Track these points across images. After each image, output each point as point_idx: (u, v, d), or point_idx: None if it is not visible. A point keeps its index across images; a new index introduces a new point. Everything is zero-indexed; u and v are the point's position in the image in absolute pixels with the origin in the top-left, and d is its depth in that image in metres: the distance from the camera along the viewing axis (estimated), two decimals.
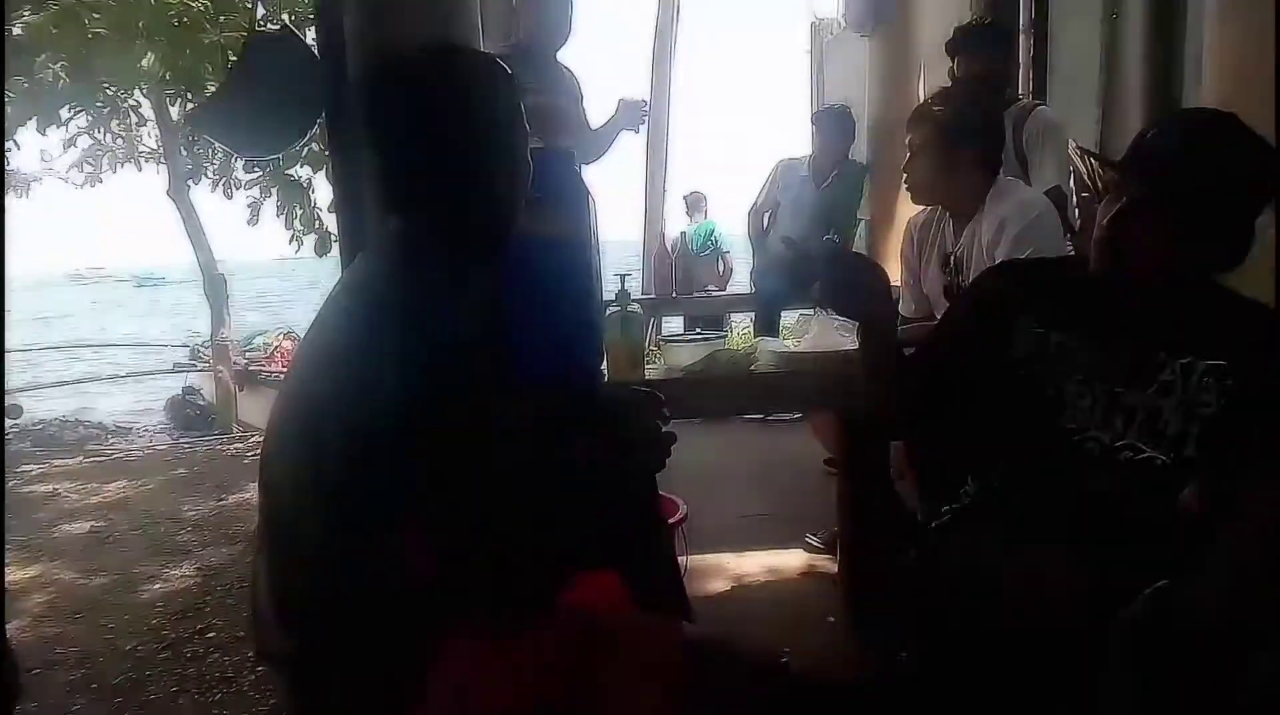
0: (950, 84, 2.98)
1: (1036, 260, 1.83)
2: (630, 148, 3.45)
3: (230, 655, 2.52)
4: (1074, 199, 2.91)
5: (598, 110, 3.36)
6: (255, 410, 7.73)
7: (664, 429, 1.38)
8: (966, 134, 2.21)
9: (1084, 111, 4.38)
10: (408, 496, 1.10)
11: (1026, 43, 4.88)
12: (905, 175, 2.31)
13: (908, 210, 4.22)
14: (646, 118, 3.38)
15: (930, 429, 1.65)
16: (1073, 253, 2.31)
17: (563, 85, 3.16)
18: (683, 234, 6.35)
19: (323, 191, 6.40)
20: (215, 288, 8.03)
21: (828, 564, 2.73)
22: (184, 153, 7.49)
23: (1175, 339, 1.41)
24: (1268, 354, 1.40)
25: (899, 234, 2.72)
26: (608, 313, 2.06)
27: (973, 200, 2.25)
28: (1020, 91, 4.60)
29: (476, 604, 1.19)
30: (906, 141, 2.30)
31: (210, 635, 2.67)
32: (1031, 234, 2.12)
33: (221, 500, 4.22)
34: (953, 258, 2.32)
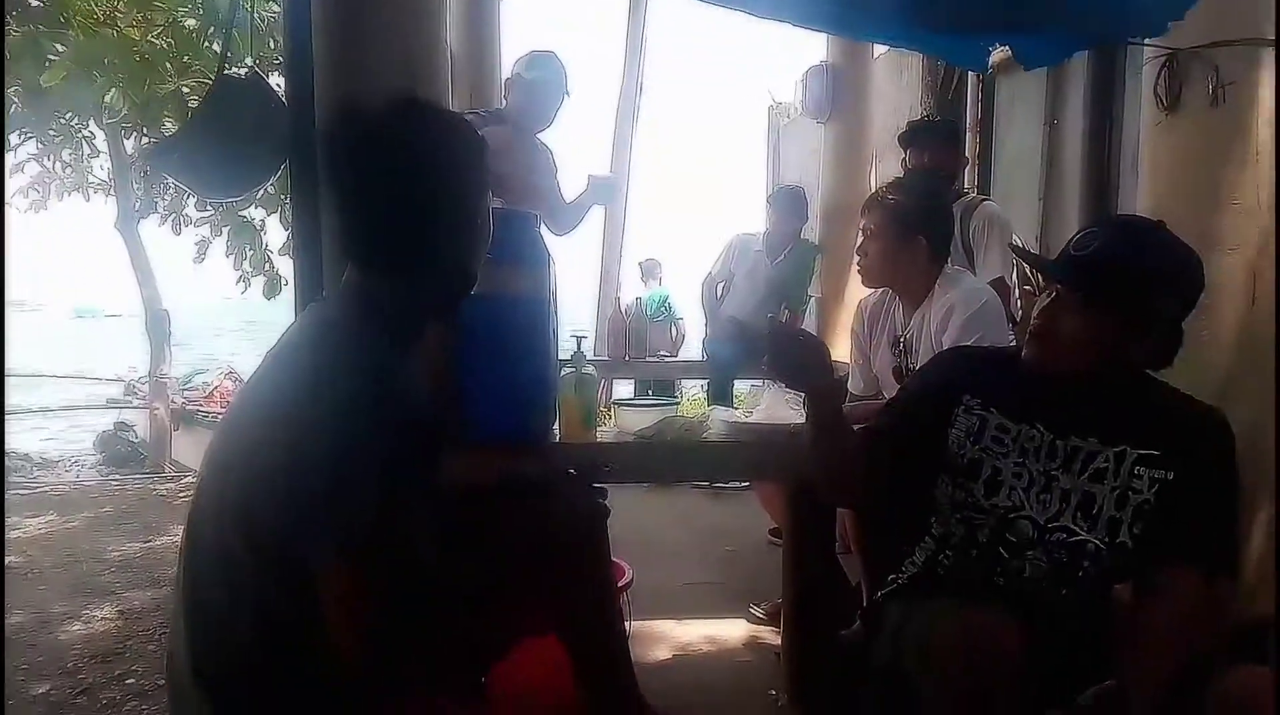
0: (903, 174, 3.13)
1: (981, 348, 1.93)
2: (590, 211, 3.54)
3: (148, 703, 2.42)
4: (1016, 292, 3.04)
5: (566, 177, 3.46)
6: (190, 450, 7.51)
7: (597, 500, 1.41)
8: (919, 222, 2.32)
9: (1026, 205, 4.61)
10: (347, 553, 1.08)
11: (973, 140, 5.14)
12: (858, 258, 2.41)
13: (857, 290, 4.35)
14: (616, 193, 3.60)
15: (874, 500, 1.69)
16: (1014, 342, 2.41)
17: (540, 161, 3.31)
18: (638, 299, 6.42)
19: (274, 234, 6.36)
20: (157, 324, 7.87)
21: (771, 636, 2.73)
22: (136, 187, 7.40)
23: (1109, 428, 1.49)
24: (1199, 447, 1.49)
25: (848, 312, 2.82)
26: (563, 372, 2.08)
27: (922, 286, 2.34)
28: (967, 185, 4.83)
29: (410, 669, 1.17)
30: (861, 225, 2.40)
31: (129, 681, 2.56)
32: (977, 322, 2.21)
33: (148, 541, 4.08)
34: (902, 340, 2.40)
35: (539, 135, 3.30)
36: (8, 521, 4.41)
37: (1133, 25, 2.24)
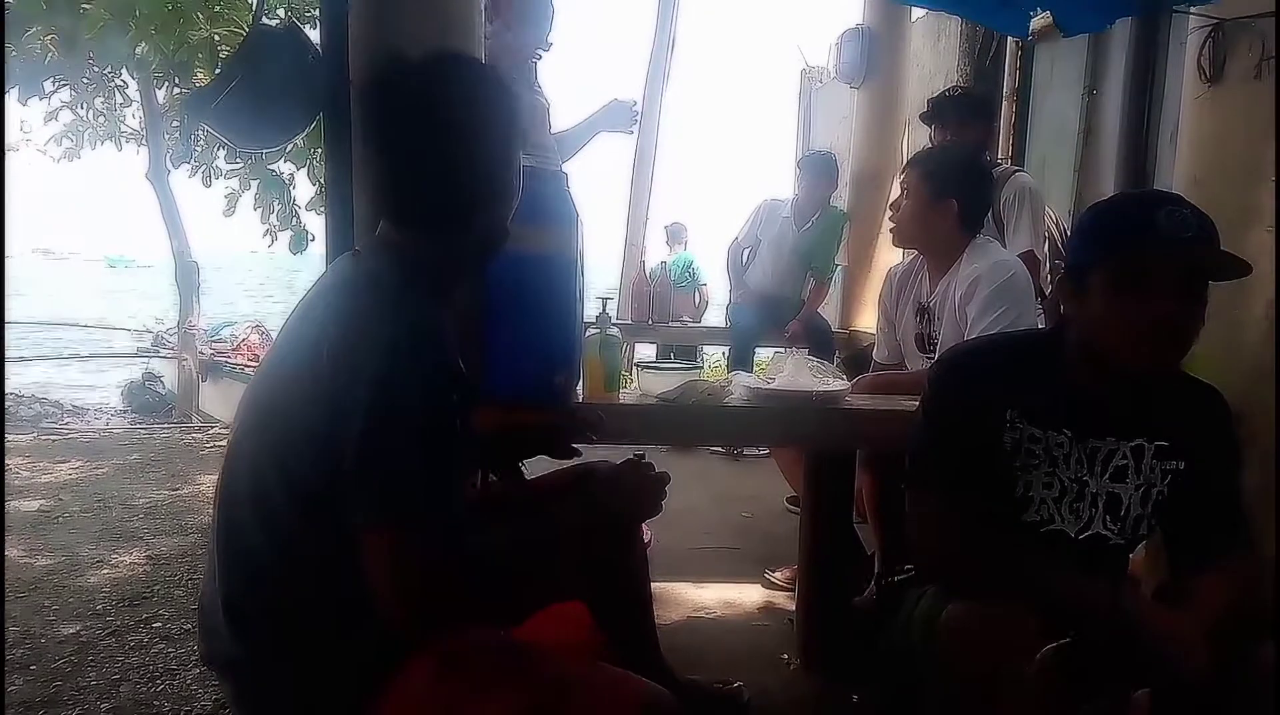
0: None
1: (1006, 343, 1.75)
2: (617, 173, 3.40)
3: (175, 647, 2.48)
4: (1047, 265, 3.00)
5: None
6: (216, 401, 7.64)
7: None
8: (952, 185, 2.30)
9: (1061, 176, 4.53)
10: (383, 502, 1.09)
11: (1008, 109, 5.04)
12: (890, 214, 2.42)
13: (884, 258, 4.33)
14: (634, 122, 3.19)
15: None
16: (1041, 318, 2.38)
17: (531, 79, 2.92)
18: (662, 263, 6.41)
19: (303, 188, 6.38)
20: (187, 275, 7.95)
21: (786, 601, 2.75)
22: (168, 137, 7.44)
23: (1124, 423, 1.45)
24: (1204, 431, 1.46)
25: (875, 281, 2.80)
26: (587, 334, 2.09)
27: (950, 253, 2.32)
28: (1000, 156, 4.74)
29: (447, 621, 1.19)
30: (899, 181, 2.40)
31: (156, 625, 2.63)
32: (1003, 295, 2.19)
33: (176, 489, 4.16)
34: (926, 308, 2.39)
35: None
36: (40, 466, 4.52)
37: None
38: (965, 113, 3.08)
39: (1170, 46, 2.65)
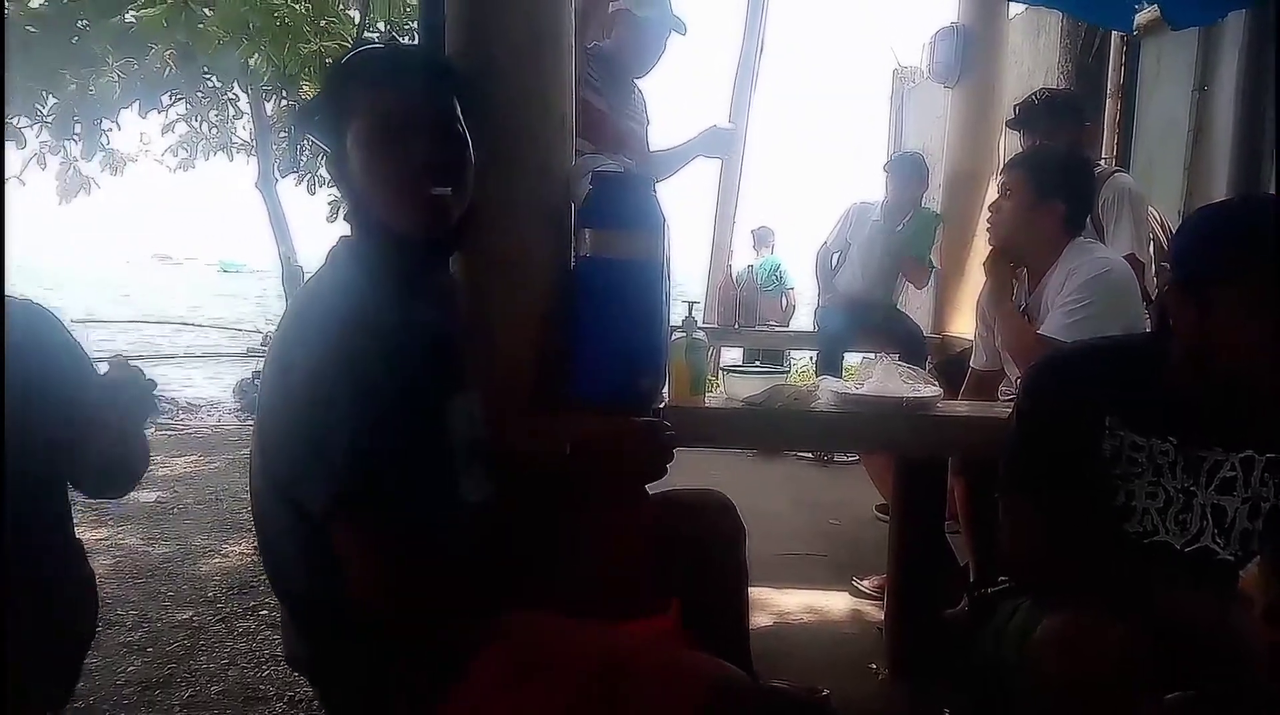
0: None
1: (1106, 346, 1.64)
2: (704, 177, 3.37)
3: (280, 634, 2.60)
4: (1152, 267, 2.88)
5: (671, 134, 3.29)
6: None
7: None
8: (1058, 188, 2.23)
9: (1169, 177, 4.34)
10: (341, 503, 1.08)
11: (1112, 107, 4.85)
12: (989, 214, 2.36)
13: (979, 261, 4.21)
14: (732, 149, 3.24)
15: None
16: (1148, 319, 2.29)
17: (631, 107, 3.03)
18: (749, 267, 6.39)
19: None
20: (292, 279, 8.27)
21: (873, 610, 2.71)
22: (276, 147, 7.78)
23: (1232, 433, 1.39)
24: None
25: (970, 285, 2.73)
26: (674, 338, 2.10)
27: (1048, 256, 2.26)
28: (1104, 155, 4.57)
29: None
30: (999, 183, 2.34)
31: (263, 612, 2.76)
32: (1090, 288, 2.12)
33: None
34: (1024, 312, 2.32)
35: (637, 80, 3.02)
36: (157, 459, 4.79)
37: None
38: (1053, 116, 2.95)
39: None
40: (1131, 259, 2.68)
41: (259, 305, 25.21)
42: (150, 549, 3.37)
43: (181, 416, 7.48)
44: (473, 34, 2.08)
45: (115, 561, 3.21)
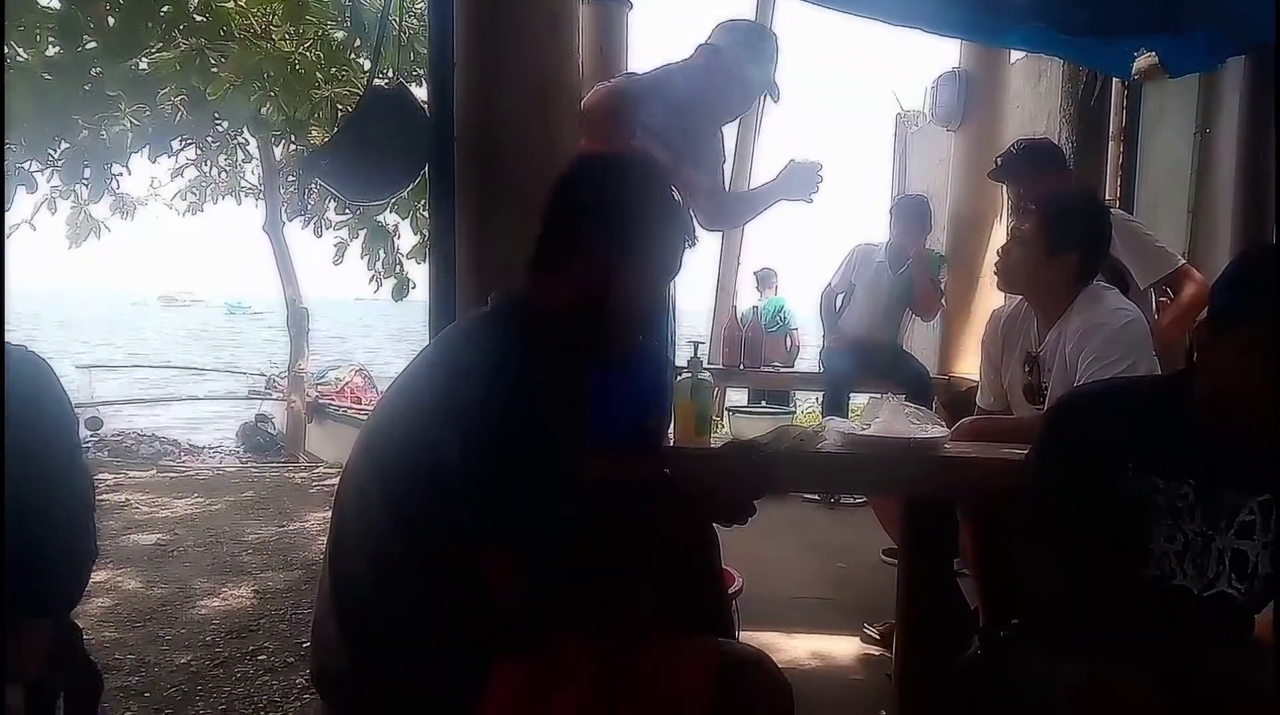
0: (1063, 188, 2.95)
1: (1121, 389, 1.65)
2: (772, 205, 3.00)
3: (279, 679, 2.57)
4: (1155, 303, 2.88)
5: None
6: (321, 441, 7.92)
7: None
8: (1076, 239, 2.21)
9: (1173, 220, 4.35)
10: (489, 529, 1.20)
11: (1115, 150, 4.89)
12: (1000, 258, 2.33)
13: (984, 302, 4.22)
14: (817, 189, 2.80)
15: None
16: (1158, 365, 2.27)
17: (700, 153, 2.74)
18: (754, 308, 6.40)
19: (406, 238, 6.64)
20: (297, 321, 8.33)
21: (883, 656, 2.67)
22: (283, 191, 7.87)
23: (1250, 477, 1.37)
24: None
25: (974, 326, 2.72)
26: (679, 378, 2.10)
27: (1061, 302, 2.24)
28: (1108, 197, 4.60)
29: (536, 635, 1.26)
30: (1011, 226, 2.32)
31: (261, 657, 2.72)
32: (1116, 344, 2.10)
33: (283, 526, 4.32)
34: (1035, 358, 2.31)
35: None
36: (159, 501, 4.77)
37: None
38: (1033, 165, 2.94)
39: None
40: (1185, 271, 2.69)
41: (262, 346, 25.32)
42: (150, 591, 3.33)
43: (184, 458, 7.48)
44: (483, 83, 2.12)
45: (114, 604, 3.17)
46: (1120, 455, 1.39)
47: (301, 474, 6.00)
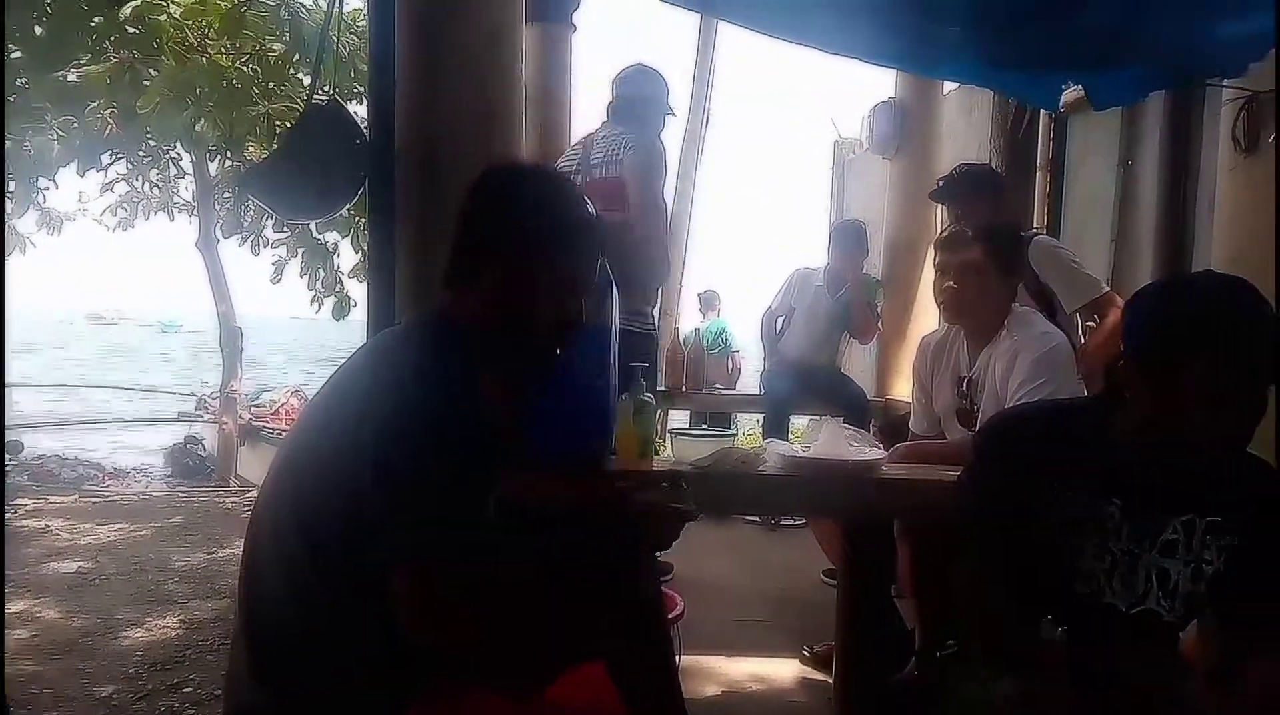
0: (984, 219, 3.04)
1: (1050, 411, 1.69)
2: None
3: (204, 712, 2.47)
4: (1080, 327, 2.97)
5: None
6: (254, 465, 7.71)
7: (681, 507, 1.45)
8: (1014, 265, 2.30)
9: (1098, 249, 4.51)
10: (401, 547, 1.13)
11: (1042, 181, 5.06)
12: (946, 292, 2.34)
13: (919, 327, 4.31)
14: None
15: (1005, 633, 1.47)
16: (1083, 385, 2.34)
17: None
18: (696, 330, 6.43)
19: (346, 257, 6.55)
20: (231, 340, 8.13)
21: (823, 678, 2.68)
22: (219, 208, 7.69)
23: (1174, 497, 1.41)
24: (1258, 507, 1.42)
25: (909, 348, 2.78)
26: (621, 400, 2.09)
27: (995, 327, 2.30)
28: (1035, 226, 4.75)
29: (460, 672, 1.20)
30: (939, 263, 2.36)
31: (187, 690, 2.62)
32: (1043, 367, 2.16)
33: (212, 553, 4.18)
34: (966, 381, 2.36)
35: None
36: (80, 528, 4.58)
37: (1211, 64, 2.20)
38: (972, 189, 3.05)
39: (1205, 117, 2.66)
40: (1110, 298, 2.78)
41: (195, 367, 24.63)
42: (69, 622, 3.19)
43: (108, 482, 7.21)
44: (425, 101, 2.10)
45: (32, 636, 3.03)
46: (1049, 475, 1.42)
47: (233, 499, 5.82)
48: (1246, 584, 1.42)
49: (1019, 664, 1.34)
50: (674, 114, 3.21)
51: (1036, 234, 3.25)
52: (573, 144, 3.39)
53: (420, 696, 1.18)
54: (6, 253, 7.01)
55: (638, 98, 3.22)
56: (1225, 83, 2.21)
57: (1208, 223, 2.66)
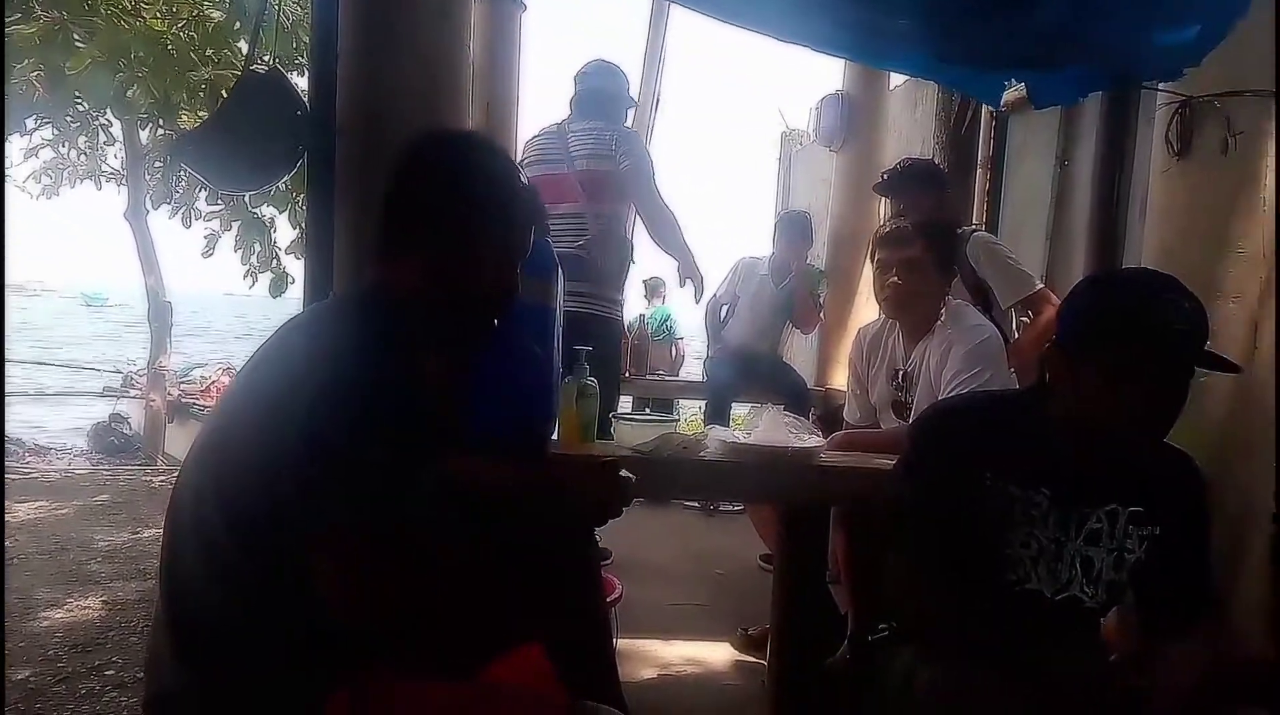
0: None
1: (984, 402, 1.73)
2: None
3: (127, 695, 2.40)
4: (1015, 322, 3.04)
5: None
6: (183, 443, 7.49)
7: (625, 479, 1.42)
8: (951, 261, 2.36)
9: (1033, 245, 4.62)
10: (324, 522, 1.09)
11: (982, 177, 5.16)
12: (890, 288, 2.36)
13: (859, 317, 4.37)
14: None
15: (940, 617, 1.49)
16: (1015, 378, 2.40)
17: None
18: (641, 316, 6.43)
19: (284, 232, 6.37)
20: (160, 314, 7.88)
21: (758, 661, 2.71)
22: (149, 178, 7.42)
23: (1099, 488, 1.46)
24: (1178, 497, 1.47)
25: (850, 339, 2.81)
26: (564, 383, 2.08)
27: (930, 321, 2.34)
28: (975, 221, 4.84)
29: (396, 655, 1.19)
30: (881, 258, 2.37)
31: (109, 672, 2.55)
32: (978, 357, 2.21)
33: (137, 532, 4.06)
34: (901, 373, 2.40)
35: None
36: None
37: (1148, 68, 2.25)
38: (916, 183, 3.11)
39: (1140, 120, 2.73)
40: (1044, 294, 2.85)
41: (118, 341, 23.85)
42: None
43: (28, 459, 6.95)
44: (368, 73, 2.05)
45: None
46: (982, 465, 1.46)
47: (160, 477, 5.66)
48: (1165, 572, 1.47)
49: (948, 648, 1.37)
50: (635, 105, 3.42)
51: (975, 230, 3.32)
52: (539, 133, 3.48)
53: (350, 679, 1.15)
54: None
55: (603, 92, 3.42)
56: (1161, 87, 2.27)
57: (1139, 223, 2.73)
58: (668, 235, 3.43)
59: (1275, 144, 2.02)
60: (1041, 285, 2.98)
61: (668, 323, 7.46)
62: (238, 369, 1.32)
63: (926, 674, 1.34)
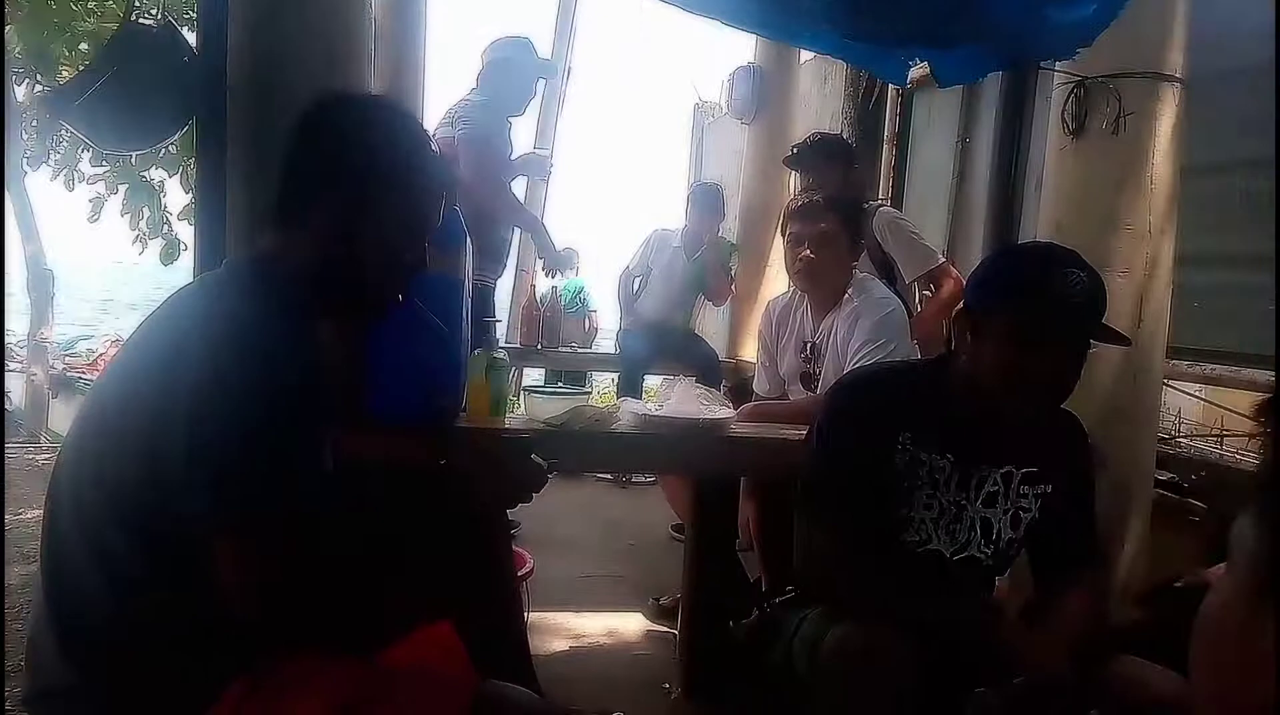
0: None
1: (894, 371, 1.81)
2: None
3: (7, 684, 2.28)
4: (917, 296, 3.13)
5: None
6: (69, 419, 7.11)
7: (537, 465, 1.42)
8: (860, 234, 2.41)
9: (936, 220, 4.75)
10: (213, 507, 1.05)
11: (888, 153, 5.27)
12: (803, 259, 2.37)
13: (770, 289, 4.42)
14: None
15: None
16: (917, 347, 2.47)
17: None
18: (553, 288, 6.36)
19: (175, 197, 6.07)
20: (40, 283, 7.43)
21: (668, 629, 2.74)
22: (25, 137, 6.96)
23: (996, 450, 1.52)
24: (1068, 456, 1.56)
25: (760, 311, 2.85)
26: (473, 355, 2.04)
27: (838, 293, 2.38)
28: (881, 196, 4.94)
29: (294, 641, 1.15)
30: (793, 231, 2.39)
31: None
32: (881, 330, 2.27)
33: (19, 513, 3.84)
34: (809, 345, 2.44)
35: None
36: None
37: (1044, 46, 2.32)
38: (825, 157, 3.16)
39: (1037, 99, 2.82)
40: (945, 268, 2.93)
41: None
42: None
43: None
44: (262, 28, 1.94)
45: None
46: (893, 430, 1.50)
47: (44, 456, 5.37)
48: (1056, 526, 1.55)
49: (853, 609, 1.41)
50: (546, 78, 3.59)
51: (881, 204, 3.38)
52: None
53: (247, 665, 1.11)
54: None
55: (500, 62, 3.47)
56: (1058, 67, 2.34)
57: (1035, 199, 2.83)
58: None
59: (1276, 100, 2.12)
60: (944, 259, 3.07)
61: (581, 294, 7.42)
62: (132, 339, 1.23)
63: (832, 633, 1.38)
